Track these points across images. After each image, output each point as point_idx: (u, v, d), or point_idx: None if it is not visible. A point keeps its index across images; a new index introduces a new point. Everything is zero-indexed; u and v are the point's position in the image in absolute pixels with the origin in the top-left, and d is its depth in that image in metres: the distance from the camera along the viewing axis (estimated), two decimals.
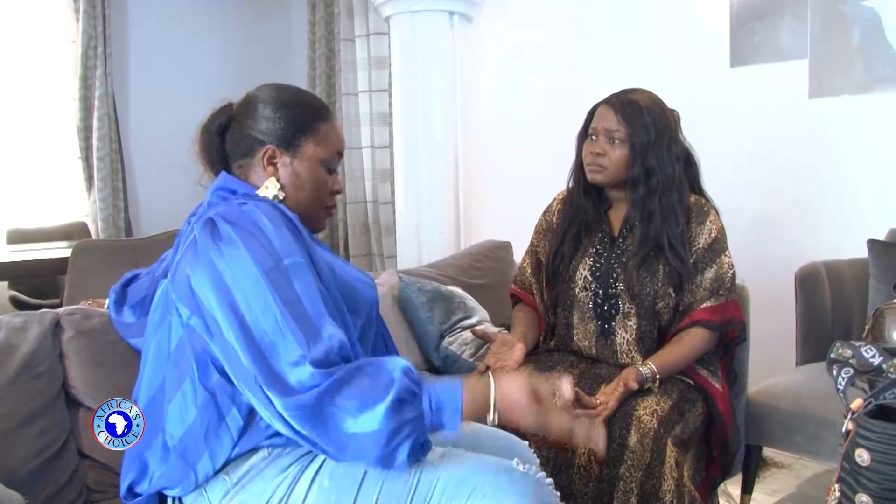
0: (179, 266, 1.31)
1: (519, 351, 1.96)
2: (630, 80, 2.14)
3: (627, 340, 1.93)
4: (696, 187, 2.05)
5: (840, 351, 1.45)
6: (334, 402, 1.14)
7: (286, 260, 1.24)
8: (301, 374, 1.16)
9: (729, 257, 1.94)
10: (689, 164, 2.03)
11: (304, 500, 1.24)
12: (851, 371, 1.41)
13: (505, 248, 2.87)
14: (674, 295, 1.91)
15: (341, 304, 1.33)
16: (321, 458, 1.27)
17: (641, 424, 1.71)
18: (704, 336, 1.89)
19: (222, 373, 1.26)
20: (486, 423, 1.24)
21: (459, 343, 2.25)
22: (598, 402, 1.74)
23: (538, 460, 1.58)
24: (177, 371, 1.30)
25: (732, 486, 2.45)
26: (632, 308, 1.92)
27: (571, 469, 1.76)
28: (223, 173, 1.44)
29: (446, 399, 1.19)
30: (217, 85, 4.69)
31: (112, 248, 2.86)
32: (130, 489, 1.34)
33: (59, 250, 3.45)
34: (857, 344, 1.44)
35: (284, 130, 1.41)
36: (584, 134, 1.99)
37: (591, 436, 1.27)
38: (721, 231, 1.95)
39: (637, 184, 1.91)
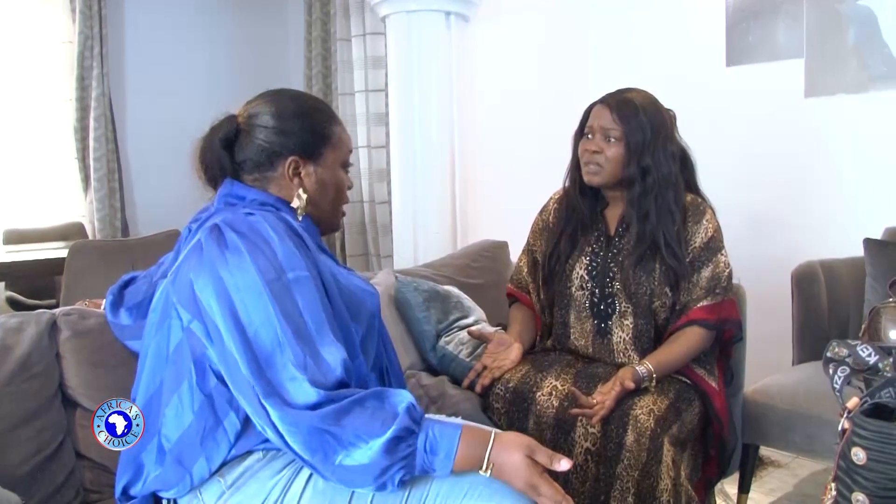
0: (182, 269, 1.31)
1: (516, 350, 1.97)
2: (626, 80, 2.14)
3: (624, 339, 1.94)
4: (693, 187, 2.05)
5: (836, 350, 1.45)
6: (330, 431, 1.14)
7: (290, 274, 1.24)
8: (298, 390, 1.16)
9: (725, 256, 1.95)
10: (685, 163, 2.03)
11: (298, 502, 1.24)
12: (847, 370, 1.41)
13: (501, 247, 2.87)
14: (670, 294, 1.92)
15: (344, 312, 1.33)
16: None
17: (638, 424, 1.71)
18: (701, 335, 1.89)
19: (220, 378, 1.26)
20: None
21: (456, 343, 2.24)
22: (594, 401, 1.74)
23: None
24: (174, 373, 1.30)
25: (729, 486, 2.46)
26: (628, 307, 1.92)
27: (568, 469, 1.76)
28: (229, 180, 1.41)
29: (442, 444, 1.17)
30: (214, 85, 4.71)
31: (108, 248, 2.86)
32: (125, 491, 1.34)
33: (56, 251, 3.44)
34: (854, 343, 1.44)
35: (305, 141, 1.40)
36: (581, 133, 2.00)
37: None
38: (717, 230, 1.96)
39: (633, 182, 1.91)
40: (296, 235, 1.31)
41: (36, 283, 3.80)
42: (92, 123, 4.24)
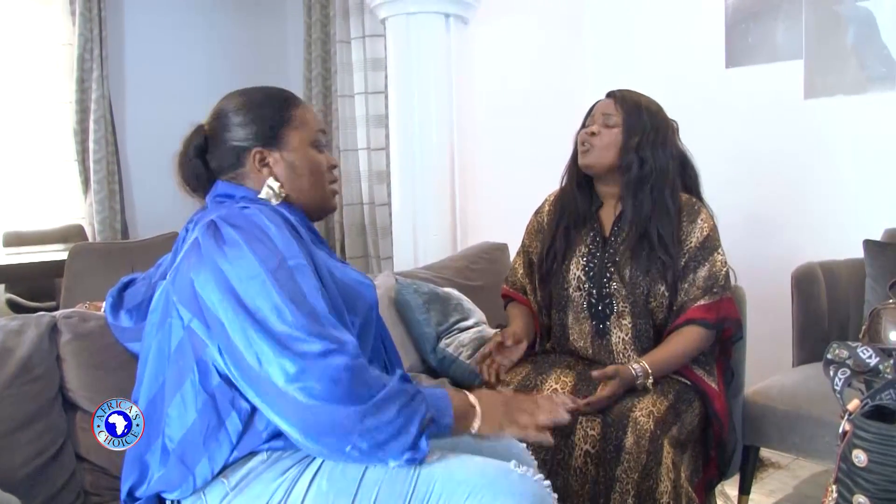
0: (181, 268, 1.31)
1: (522, 349, 1.95)
2: (625, 81, 2.14)
3: (623, 340, 1.94)
4: (696, 194, 2.06)
5: (836, 351, 1.45)
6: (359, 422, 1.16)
7: (290, 261, 1.25)
8: (322, 362, 1.17)
9: (722, 255, 1.95)
10: (685, 169, 2.04)
11: (301, 503, 1.24)
12: (848, 372, 1.41)
13: (501, 249, 2.88)
14: (666, 294, 1.92)
15: (340, 305, 1.34)
16: (319, 460, 1.26)
17: (638, 426, 1.71)
18: (700, 334, 1.89)
19: (223, 377, 1.26)
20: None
21: (456, 345, 2.25)
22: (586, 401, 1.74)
23: (535, 462, 1.59)
24: (177, 372, 1.30)
25: (730, 487, 2.46)
26: (626, 307, 1.92)
27: (568, 471, 1.76)
28: (218, 181, 1.44)
29: (437, 396, 1.26)
30: (213, 87, 4.65)
31: (108, 250, 2.87)
32: (130, 493, 1.34)
33: (56, 253, 3.44)
34: (854, 344, 1.44)
35: (262, 129, 1.41)
36: (583, 126, 2.02)
37: (552, 409, 1.38)
38: (713, 229, 1.96)
39: (630, 167, 1.92)
40: (291, 227, 1.32)
41: (36, 285, 3.81)
42: (92, 126, 4.23)
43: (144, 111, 4.60)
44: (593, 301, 1.96)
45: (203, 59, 4.83)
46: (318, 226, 4.19)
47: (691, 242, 1.93)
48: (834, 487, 1.25)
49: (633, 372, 1.80)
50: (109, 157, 4.32)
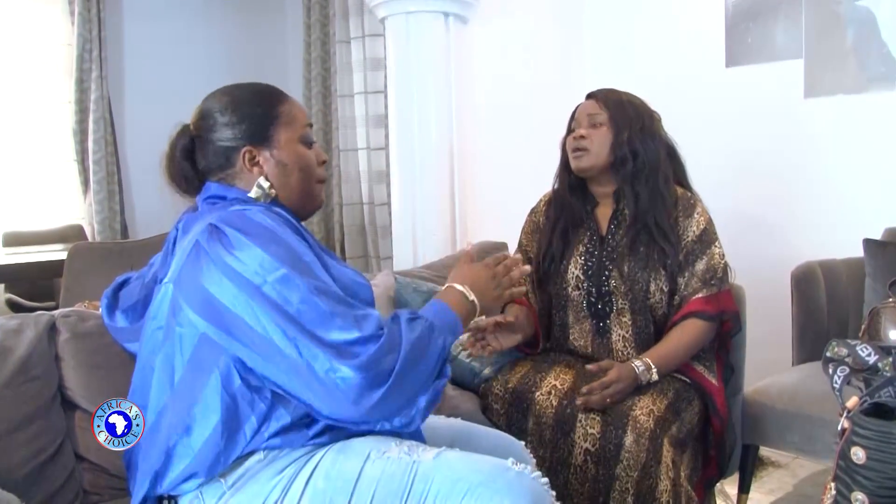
0: (187, 275, 1.28)
1: (515, 339, 1.93)
2: (625, 81, 2.14)
3: (623, 337, 1.94)
4: (683, 182, 2.06)
5: (836, 349, 1.45)
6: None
7: (305, 257, 1.25)
8: (361, 350, 1.19)
9: (719, 248, 1.95)
10: (672, 158, 2.05)
11: (298, 502, 1.24)
12: (847, 370, 1.41)
13: (501, 248, 2.87)
14: (665, 289, 1.92)
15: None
16: (316, 459, 1.26)
17: (637, 424, 1.71)
18: (701, 327, 1.89)
19: (243, 379, 1.25)
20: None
21: (455, 344, 2.24)
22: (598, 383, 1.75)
23: (534, 460, 1.59)
24: (192, 380, 1.27)
25: (729, 486, 2.45)
26: (626, 304, 1.92)
27: (567, 469, 1.76)
28: (208, 182, 1.42)
29: (439, 314, 1.36)
30: (212, 88, 4.64)
31: (108, 250, 2.86)
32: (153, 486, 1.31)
33: (55, 253, 3.44)
34: (853, 342, 1.44)
35: (252, 127, 1.40)
36: (569, 132, 2.02)
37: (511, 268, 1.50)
38: (709, 222, 1.97)
39: (625, 162, 1.93)
40: (292, 226, 1.32)
41: (35, 285, 3.81)
42: (91, 126, 4.24)
43: (144, 111, 4.59)
44: (593, 300, 1.96)
45: (202, 60, 4.83)
46: (318, 226, 4.20)
47: (689, 236, 1.93)
48: (833, 485, 1.25)
49: (636, 369, 1.80)
50: (109, 158, 4.33)
